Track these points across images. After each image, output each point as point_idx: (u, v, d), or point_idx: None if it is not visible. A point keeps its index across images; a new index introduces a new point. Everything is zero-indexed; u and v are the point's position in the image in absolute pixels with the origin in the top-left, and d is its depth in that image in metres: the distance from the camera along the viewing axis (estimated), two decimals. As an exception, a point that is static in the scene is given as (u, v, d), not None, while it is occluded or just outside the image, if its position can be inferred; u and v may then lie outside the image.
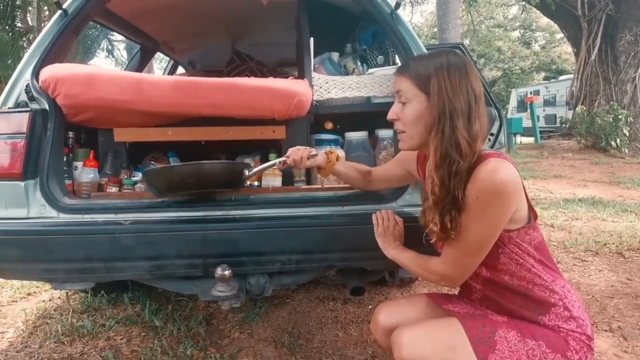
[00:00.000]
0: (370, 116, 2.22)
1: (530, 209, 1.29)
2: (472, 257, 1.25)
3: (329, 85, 2.16)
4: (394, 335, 1.28)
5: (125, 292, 2.71)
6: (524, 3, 15.12)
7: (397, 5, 2.24)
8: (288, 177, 2.06)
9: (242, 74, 3.63)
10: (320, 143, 2.13)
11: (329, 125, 2.27)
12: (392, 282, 2.71)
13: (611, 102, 11.70)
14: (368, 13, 2.36)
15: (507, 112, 21.84)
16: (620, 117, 10.79)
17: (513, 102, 22.18)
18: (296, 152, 1.68)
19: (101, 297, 2.69)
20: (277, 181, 2.03)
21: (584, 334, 1.23)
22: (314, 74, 2.15)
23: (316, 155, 1.70)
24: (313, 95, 2.04)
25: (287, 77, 3.34)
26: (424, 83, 1.24)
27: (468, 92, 1.20)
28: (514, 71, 31.77)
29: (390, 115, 1.35)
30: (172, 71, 4.07)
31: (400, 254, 1.49)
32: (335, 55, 2.52)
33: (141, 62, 3.26)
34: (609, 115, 10.90)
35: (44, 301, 2.80)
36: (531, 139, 15.10)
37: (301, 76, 2.27)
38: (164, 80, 1.82)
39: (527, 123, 15.43)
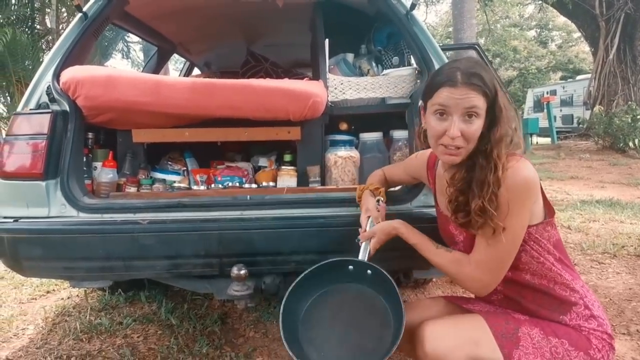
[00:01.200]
0: (385, 117, 2.23)
1: (547, 205, 1.29)
2: (508, 258, 1.24)
3: (343, 86, 2.17)
4: (418, 330, 1.27)
5: (142, 290, 2.74)
6: (540, 2, 14.94)
7: (413, 6, 2.24)
8: (303, 177, 2.08)
9: (257, 75, 3.65)
10: (334, 144, 2.13)
11: (343, 126, 2.27)
12: (407, 283, 2.71)
13: (629, 102, 11.53)
14: (383, 14, 2.36)
15: (523, 112, 21.60)
16: (639, 116, 10.62)
17: (529, 102, 21.95)
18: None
19: (118, 295, 2.74)
20: (292, 182, 2.05)
21: (605, 333, 1.24)
22: (329, 75, 2.16)
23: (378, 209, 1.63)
24: (328, 96, 2.05)
25: (302, 79, 3.36)
26: (492, 100, 1.22)
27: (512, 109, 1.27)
28: (530, 71, 31.42)
29: (454, 133, 1.21)
30: (188, 72, 4.11)
31: (417, 238, 1.42)
32: (350, 56, 2.52)
33: (158, 64, 3.30)
34: (627, 116, 10.74)
35: (62, 299, 2.85)
36: (548, 140, 14.94)
37: (316, 77, 2.28)
38: (181, 82, 1.85)
39: (543, 123, 15.26)
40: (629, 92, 12.37)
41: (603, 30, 12.77)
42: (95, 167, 2.01)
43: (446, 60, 2.20)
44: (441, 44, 2.73)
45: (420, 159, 1.61)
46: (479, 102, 1.20)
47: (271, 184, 2.06)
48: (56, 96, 1.86)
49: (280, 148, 2.22)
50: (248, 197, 1.87)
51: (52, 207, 1.78)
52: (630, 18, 12.26)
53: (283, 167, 2.08)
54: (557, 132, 14.87)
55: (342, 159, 2.06)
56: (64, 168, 1.81)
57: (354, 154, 2.09)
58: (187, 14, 2.70)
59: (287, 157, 2.16)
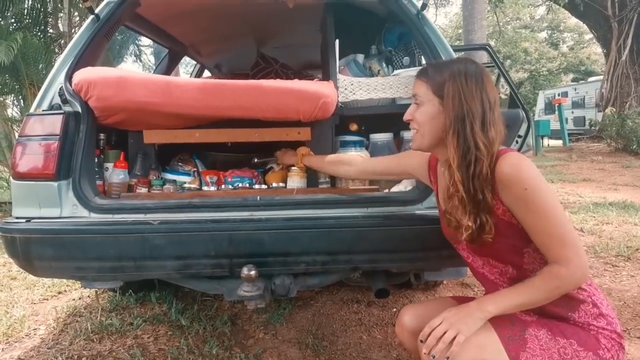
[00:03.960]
0: (395, 117, 2.21)
1: None
2: (571, 233, 1.20)
3: (354, 86, 2.16)
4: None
5: (153, 291, 2.75)
6: (550, 3, 14.84)
7: (424, 6, 2.23)
8: (312, 178, 2.07)
9: (267, 77, 3.65)
10: (345, 145, 2.13)
11: (354, 127, 2.26)
12: (418, 284, 2.69)
13: (643, 104, 11.41)
14: (394, 14, 2.35)
15: (534, 115, 21.44)
16: (652, 119, 10.52)
17: (540, 104, 21.80)
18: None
19: (129, 296, 2.75)
20: (302, 182, 2.04)
21: (615, 332, 1.22)
22: (339, 76, 2.16)
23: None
24: (338, 96, 2.05)
25: (312, 80, 3.37)
26: (438, 88, 1.30)
27: (482, 99, 1.25)
28: (541, 73, 31.19)
29: (405, 116, 1.42)
30: (199, 75, 4.13)
31: (505, 300, 1.23)
32: (360, 57, 2.52)
33: (169, 66, 3.32)
34: (640, 118, 10.63)
35: (74, 299, 2.87)
36: (559, 142, 14.80)
37: (326, 78, 2.28)
38: (191, 82, 1.85)
39: (555, 125, 15.13)
40: (642, 94, 12.25)
41: (615, 32, 12.67)
42: (107, 168, 2.01)
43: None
44: (452, 45, 2.72)
45: (422, 158, 1.61)
46: (420, 90, 1.35)
47: (281, 184, 2.05)
48: (68, 97, 1.87)
49: (290, 149, 2.20)
50: (258, 197, 1.87)
51: (64, 208, 1.79)
52: (644, 19, 12.14)
53: (293, 167, 2.07)
54: (569, 134, 14.74)
55: (353, 159, 2.05)
56: (76, 169, 1.82)
57: (364, 154, 2.08)
58: (197, 15, 2.71)
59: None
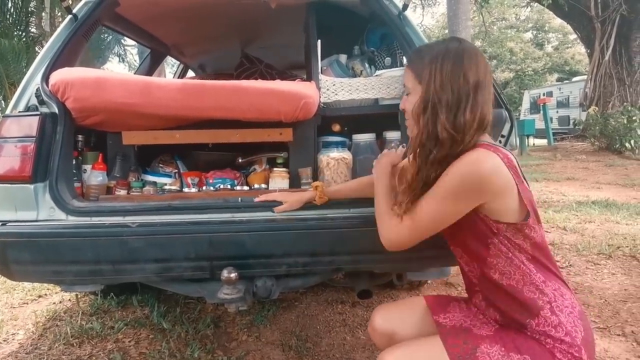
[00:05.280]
0: (378, 118, 2.21)
1: (531, 209, 1.23)
2: (423, 231, 1.28)
3: (336, 87, 2.16)
4: (379, 357, 1.29)
5: (134, 294, 2.72)
6: (535, 4, 15.00)
7: (405, 7, 2.23)
8: (295, 179, 2.06)
9: (252, 78, 3.63)
10: (327, 145, 2.12)
11: (336, 128, 2.26)
12: (400, 285, 2.69)
13: (625, 104, 11.57)
14: (376, 15, 2.35)
15: (519, 114, 21.66)
16: (634, 118, 10.66)
17: (526, 104, 22.01)
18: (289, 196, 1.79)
19: (110, 299, 2.71)
20: (284, 184, 2.03)
21: (573, 345, 1.16)
22: (321, 76, 2.15)
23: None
24: (320, 97, 2.04)
25: (294, 80, 3.35)
26: (419, 74, 1.28)
27: (460, 82, 1.20)
28: (527, 72, 31.52)
29: (400, 106, 1.41)
30: (182, 75, 4.10)
31: (381, 181, 1.46)
32: (343, 58, 2.51)
33: (151, 66, 3.28)
34: (622, 117, 10.77)
35: (54, 303, 2.82)
36: (544, 141, 14.96)
37: (309, 78, 2.27)
38: (171, 83, 1.83)
39: (539, 125, 15.29)
40: (624, 93, 12.41)
41: (598, 32, 12.81)
42: (85, 170, 1.98)
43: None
44: None
45: None
46: (407, 80, 1.33)
47: (263, 186, 2.04)
48: (45, 98, 1.84)
49: (272, 149, 2.19)
50: (239, 199, 1.86)
51: (40, 211, 1.76)
52: (626, 19, 12.29)
53: (275, 169, 2.06)
54: (554, 134, 14.89)
55: (335, 160, 2.05)
56: (53, 171, 1.78)
57: (347, 155, 2.07)
58: (179, 15, 2.68)
59: (280, 160, 2.14)
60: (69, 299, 2.84)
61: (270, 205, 1.78)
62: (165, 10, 2.56)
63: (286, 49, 3.79)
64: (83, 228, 1.72)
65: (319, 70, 2.19)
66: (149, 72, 3.25)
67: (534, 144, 15.02)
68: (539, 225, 1.26)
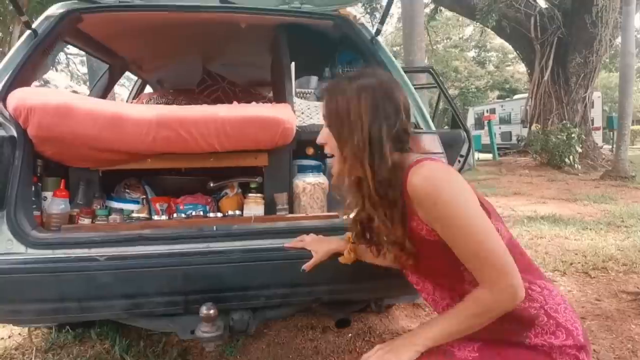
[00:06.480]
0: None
1: (489, 208, 1.21)
2: (495, 251, 1.09)
3: (311, 111, 2.13)
4: None
5: (92, 327, 2.54)
6: (477, 23, 15.69)
7: (378, 32, 2.25)
8: (270, 205, 2.00)
9: (214, 95, 3.56)
10: (303, 170, 2.07)
11: (310, 151, 2.22)
12: (378, 310, 2.68)
13: (564, 121, 12.24)
14: (348, 39, 2.36)
15: (465, 130, 22.49)
16: (573, 135, 11.29)
17: (470, 120, 22.88)
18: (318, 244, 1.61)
19: (66, 332, 2.51)
20: (259, 210, 1.96)
21: (575, 346, 1.11)
22: (295, 100, 2.12)
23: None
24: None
25: (264, 99, 3.30)
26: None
27: (386, 114, 1.18)
28: (470, 90, 32.85)
29: (318, 139, 1.32)
30: (140, 90, 3.94)
31: (436, 329, 1.15)
32: (313, 79, 2.50)
33: (109, 82, 3.13)
34: (562, 134, 11.38)
35: (2, 339, 2.58)
36: (489, 155, 15.59)
37: (280, 99, 2.23)
38: (145, 116, 1.71)
39: (485, 140, 15.94)
40: (562, 111, 13.12)
41: (538, 53, 13.54)
42: (45, 197, 1.84)
43: (408, 84, 2.23)
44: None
45: None
46: (324, 111, 1.28)
47: (237, 212, 1.97)
48: (2, 120, 1.70)
49: (246, 173, 2.11)
50: (214, 227, 1.78)
51: (-4, 243, 1.61)
52: (563, 42, 13.07)
53: (250, 194, 2.00)
54: (498, 148, 15.58)
55: (311, 185, 2.01)
56: (11, 200, 1.63)
57: (323, 180, 2.04)
58: (142, 32, 2.58)
59: (253, 185, 2.08)
60: (20, 333, 2.61)
61: (302, 256, 1.62)
62: (129, 27, 2.45)
63: (249, 66, 3.74)
64: (45, 262, 1.58)
65: (293, 93, 2.16)
66: (107, 88, 3.10)
67: (479, 158, 15.61)
68: (501, 223, 1.22)
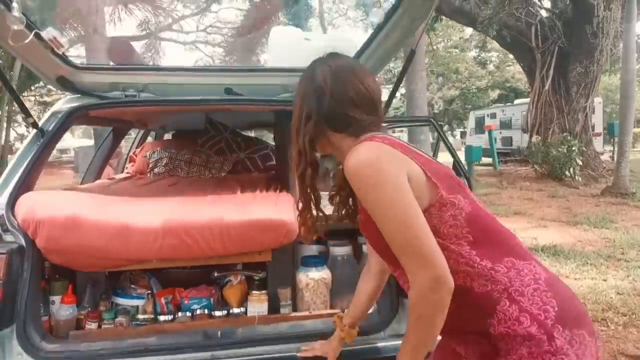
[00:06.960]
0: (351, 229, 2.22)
1: (440, 178, 1.12)
2: (416, 240, 1.02)
3: (314, 200, 2.15)
4: None
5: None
6: (482, 35, 15.70)
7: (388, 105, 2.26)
8: (274, 300, 2.02)
9: (217, 146, 3.60)
10: (306, 263, 2.09)
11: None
12: None
13: (565, 134, 12.26)
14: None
15: (465, 134, 22.57)
16: (573, 147, 11.32)
17: (471, 124, 22.88)
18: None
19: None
20: (263, 308, 1.99)
21: (541, 333, 1.01)
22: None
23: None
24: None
25: (266, 149, 3.32)
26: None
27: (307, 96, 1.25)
28: (471, 90, 32.81)
29: None
30: (142, 141, 3.97)
31: (403, 351, 1.10)
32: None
33: (114, 142, 3.16)
34: (563, 146, 11.40)
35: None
36: (488, 159, 15.67)
37: (284, 188, 2.26)
38: (151, 225, 1.74)
39: (485, 144, 16.03)
40: (563, 121, 13.12)
41: (539, 63, 13.52)
42: (53, 301, 1.87)
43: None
44: (395, 117, 2.80)
45: None
46: None
47: (242, 309, 1.99)
48: (10, 228, 1.74)
49: (249, 267, 2.14)
50: (219, 333, 1.81)
51: (6, 359, 1.65)
52: (564, 51, 13.05)
53: (254, 291, 2.02)
54: (498, 153, 15.66)
55: (314, 281, 2.04)
56: (20, 313, 1.67)
57: (326, 275, 2.06)
58: (149, 114, 2.61)
59: (257, 277, 2.10)
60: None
61: None
62: (136, 112, 2.48)
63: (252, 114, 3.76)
64: (55, 378, 1.62)
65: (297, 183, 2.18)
66: (112, 148, 3.13)
67: (479, 162, 15.63)
68: (462, 194, 1.13)
